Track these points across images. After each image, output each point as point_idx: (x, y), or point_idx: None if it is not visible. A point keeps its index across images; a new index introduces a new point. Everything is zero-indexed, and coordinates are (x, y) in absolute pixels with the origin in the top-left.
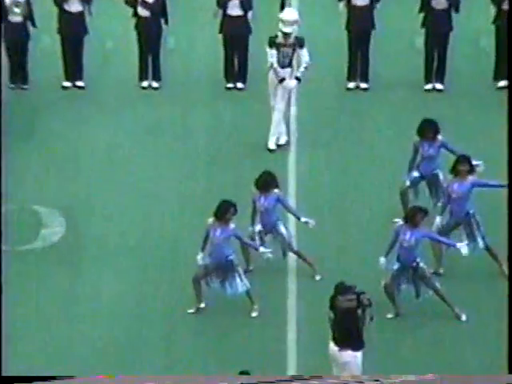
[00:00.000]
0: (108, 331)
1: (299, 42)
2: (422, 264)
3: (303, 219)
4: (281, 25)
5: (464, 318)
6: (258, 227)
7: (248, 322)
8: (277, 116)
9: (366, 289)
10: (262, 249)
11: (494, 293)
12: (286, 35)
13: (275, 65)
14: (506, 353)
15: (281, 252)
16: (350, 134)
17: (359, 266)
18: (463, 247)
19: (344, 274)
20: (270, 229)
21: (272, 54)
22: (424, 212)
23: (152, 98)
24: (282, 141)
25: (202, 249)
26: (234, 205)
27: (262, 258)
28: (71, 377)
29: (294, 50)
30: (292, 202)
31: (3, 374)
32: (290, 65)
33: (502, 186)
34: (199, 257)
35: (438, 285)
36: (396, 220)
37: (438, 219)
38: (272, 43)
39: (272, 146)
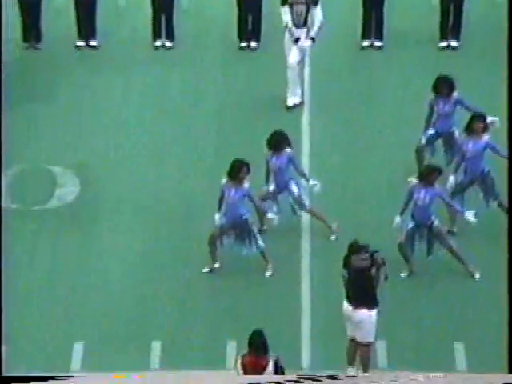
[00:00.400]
0: (122, 288)
1: (313, 1)
2: (436, 222)
3: (311, 182)
4: None
5: (478, 275)
6: (272, 187)
7: (262, 281)
8: (291, 75)
9: (381, 248)
10: (269, 214)
11: (504, 251)
12: None
13: (290, 24)
14: (506, 353)
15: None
16: (365, 93)
17: (374, 226)
18: (470, 215)
19: (358, 233)
20: (283, 188)
21: (286, 12)
22: (439, 171)
23: (165, 58)
24: (296, 101)
25: (219, 209)
26: (247, 164)
27: (270, 222)
28: (69, 377)
29: (308, 7)
30: (305, 161)
31: (3, 373)
32: (305, 24)
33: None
34: (217, 217)
35: (452, 243)
36: (410, 179)
37: (451, 178)
38: (285, 1)
39: (291, 103)
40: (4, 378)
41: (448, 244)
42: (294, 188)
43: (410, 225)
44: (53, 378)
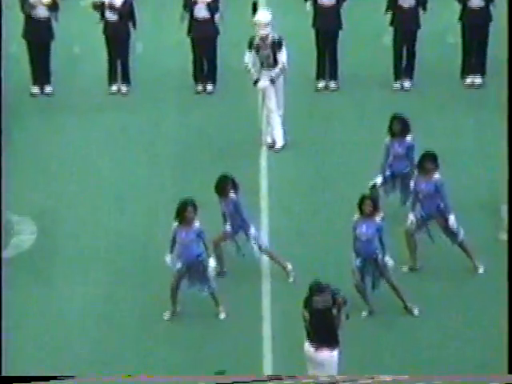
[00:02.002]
0: (81, 337)
1: (278, 43)
2: (380, 256)
3: (252, 230)
4: (256, 28)
5: (416, 312)
6: (228, 227)
7: (223, 323)
8: (271, 116)
9: (342, 288)
10: (211, 260)
11: (463, 289)
12: (262, 37)
13: (249, 66)
14: (506, 353)
15: (253, 253)
16: (321, 134)
17: (334, 266)
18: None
19: (319, 274)
20: (237, 230)
21: (248, 56)
22: (373, 200)
23: (121, 103)
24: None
25: (171, 251)
26: (192, 203)
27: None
28: (71, 377)
29: (274, 51)
30: (265, 203)
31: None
32: (274, 65)
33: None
34: (168, 258)
35: (393, 279)
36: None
37: (411, 215)
38: (251, 45)
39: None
40: (4, 378)
41: (388, 279)
42: (252, 230)
43: (358, 261)
44: (54, 377)
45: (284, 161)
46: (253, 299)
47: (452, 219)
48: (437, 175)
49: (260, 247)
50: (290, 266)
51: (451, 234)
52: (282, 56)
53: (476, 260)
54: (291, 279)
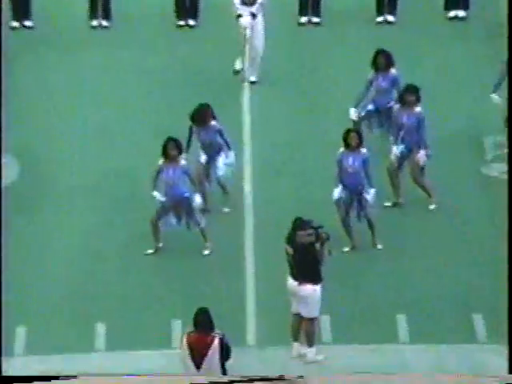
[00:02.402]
0: (65, 271)
1: None
2: (365, 189)
3: (231, 153)
4: None
5: (380, 246)
6: (203, 158)
7: (206, 259)
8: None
9: (326, 224)
10: (197, 197)
11: (443, 223)
12: None
13: (235, 1)
14: (506, 353)
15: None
16: (304, 68)
17: (318, 202)
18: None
19: (302, 209)
20: (214, 158)
21: None
22: (358, 132)
23: (103, 39)
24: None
25: (154, 187)
26: (175, 140)
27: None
28: (73, 377)
29: None
30: (247, 138)
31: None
32: (254, 2)
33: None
34: (155, 193)
35: (372, 215)
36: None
37: (394, 148)
38: None
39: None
40: (4, 378)
41: (366, 215)
42: (220, 162)
43: (344, 194)
44: (56, 377)
45: (267, 95)
46: (236, 235)
47: (422, 154)
48: (418, 108)
49: (219, 181)
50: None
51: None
52: None
53: (433, 198)
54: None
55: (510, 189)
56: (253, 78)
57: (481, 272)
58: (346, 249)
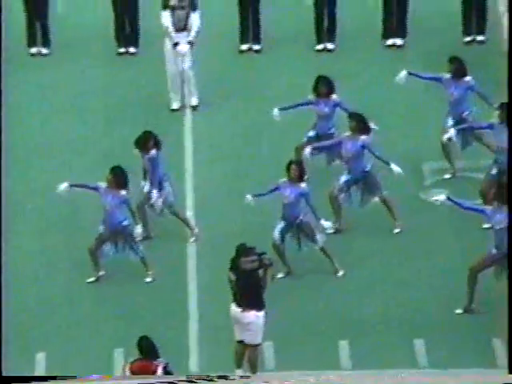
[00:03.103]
0: (6, 299)
1: (193, 5)
2: (305, 219)
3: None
4: None
5: (341, 273)
6: (146, 185)
7: (149, 287)
8: (172, 79)
9: (266, 250)
10: (137, 226)
11: (383, 247)
12: None
13: (170, 29)
14: (506, 353)
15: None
16: (245, 95)
17: (258, 228)
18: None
19: (243, 236)
20: (156, 187)
21: (166, 16)
22: (299, 164)
23: (42, 64)
24: (178, 104)
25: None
26: (119, 168)
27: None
28: (72, 377)
29: (187, 13)
30: (188, 163)
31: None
32: (185, 28)
33: (387, 163)
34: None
35: (320, 240)
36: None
37: (343, 177)
38: (166, 5)
39: (175, 106)
40: (4, 378)
41: (315, 240)
42: (167, 186)
43: (281, 223)
44: (54, 377)
45: (208, 120)
46: (179, 262)
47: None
48: (363, 136)
49: (170, 207)
50: (196, 230)
51: (371, 194)
52: (197, 19)
53: (396, 218)
54: (192, 239)
55: (510, 191)
56: (194, 102)
57: (424, 297)
58: (281, 275)
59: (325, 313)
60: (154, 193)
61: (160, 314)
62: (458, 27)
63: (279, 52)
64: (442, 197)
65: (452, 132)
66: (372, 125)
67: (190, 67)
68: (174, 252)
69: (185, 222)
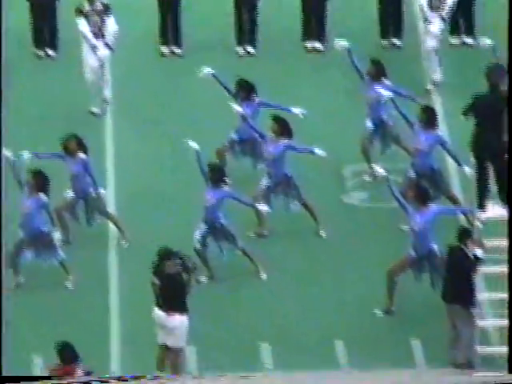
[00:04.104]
0: None
1: (107, 10)
2: (226, 222)
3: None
4: None
5: (264, 276)
6: (69, 191)
7: (70, 292)
8: (92, 82)
9: (186, 252)
10: (56, 231)
11: (308, 250)
12: (91, 2)
13: (86, 34)
14: (506, 353)
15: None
16: (165, 98)
17: (179, 230)
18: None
19: (165, 238)
20: (82, 196)
21: (81, 22)
22: (221, 173)
23: None
24: (99, 108)
25: None
26: (38, 172)
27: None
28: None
29: (102, 18)
30: (110, 167)
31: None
32: (101, 33)
33: (306, 151)
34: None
35: (241, 243)
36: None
37: (263, 181)
38: (79, 12)
39: (95, 110)
40: (4, 378)
41: (236, 244)
42: (93, 194)
43: (203, 227)
44: (49, 377)
45: (129, 124)
46: (100, 267)
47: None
48: (285, 140)
49: (103, 211)
50: (127, 233)
51: (294, 198)
52: (112, 24)
53: (319, 223)
54: (124, 242)
55: (510, 193)
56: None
57: (345, 299)
58: (203, 278)
59: (247, 316)
60: (80, 200)
61: (81, 320)
62: (376, 31)
63: (201, 56)
64: (381, 170)
65: None
66: (298, 111)
67: (109, 72)
68: (95, 257)
69: (116, 225)
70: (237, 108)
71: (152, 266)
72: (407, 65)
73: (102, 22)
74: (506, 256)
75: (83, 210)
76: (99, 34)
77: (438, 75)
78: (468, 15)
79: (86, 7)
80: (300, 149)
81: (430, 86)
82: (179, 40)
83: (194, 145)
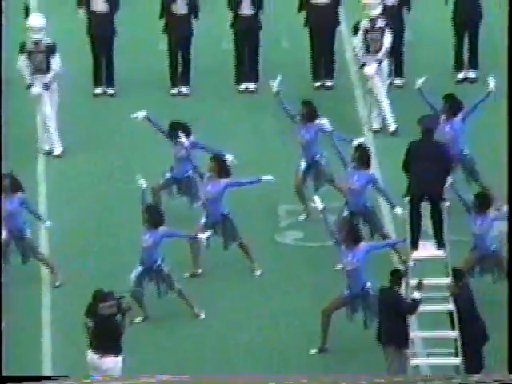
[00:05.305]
0: None
1: (51, 49)
2: (163, 265)
3: (48, 223)
4: (29, 32)
5: (202, 316)
6: (4, 234)
7: (2, 331)
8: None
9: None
10: None
11: (243, 289)
12: (36, 42)
13: (24, 72)
14: (506, 353)
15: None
16: (101, 140)
17: (114, 272)
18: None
19: (97, 281)
20: (18, 234)
21: (22, 60)
22: (159, 213)
23: None
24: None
25: None
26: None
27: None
28: (63, 377)
29: (47, 56)
30: (43, 205)
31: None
32: (47, 71)
33: (252, 183)
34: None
35: (177, 285)
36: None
37: (202, 220)
38: (22, 50)
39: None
40: (4, 378)
41: (173, 286)
42: (28, 233)
43: (139, 268)
44: (48, 378)
45: (63, 165)
46: (33, 308)
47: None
48: (225, 179)
49: (35, 251)
50: (59, 276)
51: (231, 240)
52: (55, 63)
53: (254, 262)
54: (57, 283)
55: (510, 198)
56: (58, 151)
57: (280, 337)
58: (138, 319)
59: (185, 356)
60: (13, 242)
61: (13, 359)
62: (309, 72)
63: (134, 96)
64: (318, 203)
65: None
66: (230, 158)
67: (45, 111)
68: (27, 298)
69: (48, 266)
70: (183, 139)
71: (86, 308)
72: (340, 105)
73: (48, 59)
74: (442, 294)
75: (17, 249)
76: (44, 71)
77: (373, 116)
78: (399, 57)
79: (30, 45)
80: (245, 182)
81: (364, 126)
82: (112, 81)
83: (142, 182)
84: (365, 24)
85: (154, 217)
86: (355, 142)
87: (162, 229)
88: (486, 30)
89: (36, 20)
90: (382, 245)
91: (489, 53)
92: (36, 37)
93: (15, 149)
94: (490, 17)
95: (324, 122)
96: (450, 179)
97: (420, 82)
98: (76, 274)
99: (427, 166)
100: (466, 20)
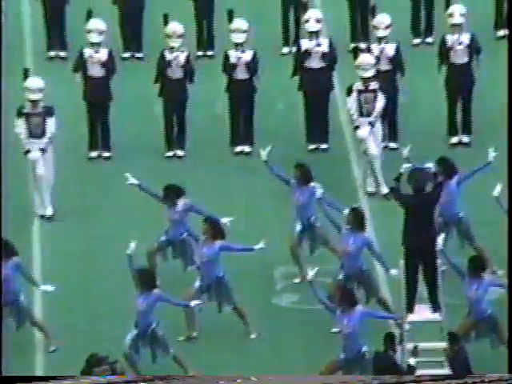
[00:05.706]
0: None
1: (48, 112)
2: (158, 328)
3: (42, 287)
4: (27, 93)
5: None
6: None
7: None
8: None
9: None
10: None
11: (237, 354)
12: (33, 104)
13: (22, 135)
14: (506, 353)
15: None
16: (94, 203)
17: (107, 336)
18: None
19: (94, 344)
20: (13, 300)
21: (20, 124)
22: (151, 276)
23: None
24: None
25: None
26: None
27: None
28: (71, 377)
29: (44, 119)
30: (37, 269)
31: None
32: (43, 135)
33: (245, 250)
34: None
35: (173, 350)
36: None
37: (196, 283)
38: (20, 113)
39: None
40: (4, 378)
41: (168, 350)
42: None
43: (133, 332)
44: (54, 377)
45: (57, 230)
46: (26, 373)
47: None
48: (219, 241)
49: (29, 315)
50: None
51: (226, 302)
52: (51, 126)
53: (250, 325)
54: (52, 348)
55: (510, 195)
56: (49, 212)
57: None
58: None
59: None
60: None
61: None
62: (303, 135)
63: (129, 159)
64: (311, 273)
65: None
66: (226, 220)
67: (41, 175)
68: (21, 361)
69: (43, 331)
70: (179, 206)
71: (80, 372)
72: (334, 168)
73: (44, 122)
74: (438, 358)
75: (13, 315)
76: (40, 135)
77: (367, 179)
78: (393, 121)
79: (27, 108)
80: (237, 248)
81: (359, 189)
82: (108, 144)
83: (131, 247)
84: (358, 85)
85: (146, 280)
86: (346, 211)
87: (155, 292)
88: (480, 95)
89: (34, 81)
90: (379, 316)
91: (482, 117)
92: (34, 97)
93: (11, 213)
94: (483, 82)
95: (316, 187)
96: (441, 238)
97: (406, 150)
98: (71, 337)
99: (418, 223)
100: (459, 86)
